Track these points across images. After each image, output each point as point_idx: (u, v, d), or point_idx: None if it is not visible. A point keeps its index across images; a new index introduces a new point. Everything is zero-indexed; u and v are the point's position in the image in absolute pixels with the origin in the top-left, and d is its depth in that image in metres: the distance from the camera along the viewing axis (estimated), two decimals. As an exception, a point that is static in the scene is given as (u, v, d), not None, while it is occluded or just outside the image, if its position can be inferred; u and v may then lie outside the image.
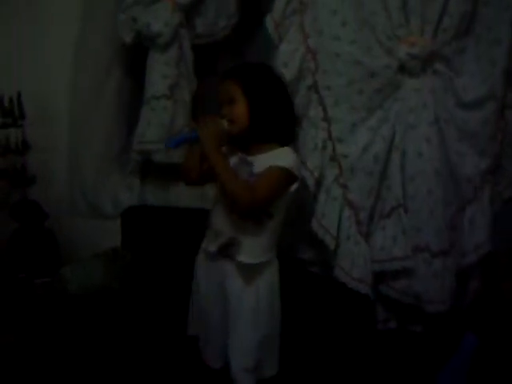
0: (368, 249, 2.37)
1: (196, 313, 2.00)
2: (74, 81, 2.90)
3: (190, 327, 2.03)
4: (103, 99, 2.91)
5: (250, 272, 1.86)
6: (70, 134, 2.95)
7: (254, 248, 1.86)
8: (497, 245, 2.31)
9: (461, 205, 2.34)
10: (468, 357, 1.81)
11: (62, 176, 3.02)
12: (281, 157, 1.85)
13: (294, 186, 1.86)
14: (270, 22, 2.40)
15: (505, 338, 1.77)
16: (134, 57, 2.88)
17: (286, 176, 1.83)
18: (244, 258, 1.84)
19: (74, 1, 2.89)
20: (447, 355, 2.01)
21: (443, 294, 2.30)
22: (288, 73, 2.36)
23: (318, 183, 2.39)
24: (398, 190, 2.33)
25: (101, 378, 2.23)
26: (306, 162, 2.36)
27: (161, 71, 2.69)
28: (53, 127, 3.05)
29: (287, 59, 2.38)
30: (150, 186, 2.94)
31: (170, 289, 2.50)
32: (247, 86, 1.86)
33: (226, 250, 1.86)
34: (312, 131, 2.39)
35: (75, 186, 2.99)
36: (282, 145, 1.88)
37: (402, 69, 2.30)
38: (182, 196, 2.77)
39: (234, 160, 1.89)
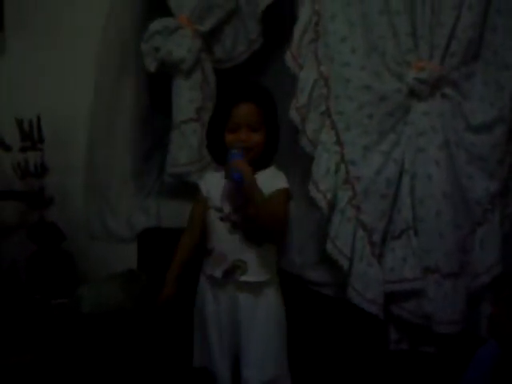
0: (380, 270, 2.38)
1: (201, 343, 2.02)
2: (92, 104, 2.96)
3: (197, 358, 2.05)
4: (120, 123, 2.97)
5: (257, 289, 1.90)
6: (86, 157, 3.01)
7: (259, 267, 1.90)
8: (506, 267, 2.32)
9: (471, 227, 2.36)
10: (488, 364, 1.78)
11: (79, 198, 3.07)
12: (276, 177, 1.93)
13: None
14: (288, 55, 2.46)
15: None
16: (152, 81, 2.95)
17: (289, 196, 1.93)
18: (250, 277, 1.88)
19: (94, 25, 2.94)
20: (460, 375, 2.00)
21: (454, 315, 2.31)
22: (301, 99, 2.42)
23: (331, 205, 2.42)
24: (408, 213, 2.35)
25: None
26: (319, 185, 2.40)
27: (187, 96, 2.77)
28: (71, 150, 3.09)
29: (303, 85, 2.44)
30: (166, 209, 2.98)
31: (185, 311, 2.52)
32: (267, 116, 1.92)
33: (233, 273, 1.89)
34: (325, 155, 2.43)
35: (91, 209, 3.04)
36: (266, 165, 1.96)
37: (412, 93, 2.33)
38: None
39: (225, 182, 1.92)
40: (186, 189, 2.82)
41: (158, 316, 2.05)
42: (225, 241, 1.90)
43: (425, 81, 2.29)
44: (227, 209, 1.90)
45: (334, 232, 2.40)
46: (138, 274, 2.82)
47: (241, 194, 1.86)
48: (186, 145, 2.79)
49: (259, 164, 1.92)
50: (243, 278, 1.88)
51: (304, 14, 2.45)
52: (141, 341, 2.49)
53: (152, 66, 2.78)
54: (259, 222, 1.85)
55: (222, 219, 1.91)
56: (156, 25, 2.75)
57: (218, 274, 1.91)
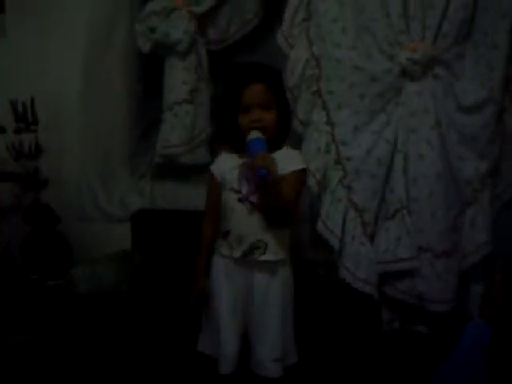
0: (373, 250, 2.40)
1: (208, 328, 2.03)
2: (86, 86, 2.96)
3: (201, 343, 2.05)
4: (114, 104, 2.97)
5: (273, 268, 1.91)
6: (80, 139, 3.01)
7: (278, 246, 1.91)
8: (496, 247, 2.33)
9: (461, 207, 2.37)
10: (479, 344, 1.79)
11: (73, 180, 3.08)
12: (293, 157, 1.94)
13: None
14: (279, 35, 2.49)
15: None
16: (144, 63, 2.94)
17: (306, 176, 1.98)
18: (269, 256, 1.89)
19: (86, 7, 2.94)
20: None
21: (446, 294, 2.33)
22: (292, 79, 2.44)
23: (322, 185, 2.43)
24: (402, 192, 2.36)
25: (108, 377, 2.27)
26: (309, 165, 2.36)
27: (181, 77, 2.78)
28: (65, 132, 3.09)
29: (294, 66, 2.45)
30: (160, 190, 3.00)
31: (179, 291, 2.53)
32: (278, 95, 1.92)
33: (252, 253, 1.89)
34: (315, 135, 2.44)
35: (85, 190, 3.05)
36: (280, 145, 1.96)
37: (404, 73, 2.34)
38: (192, 199, 2.81)
39: (242, 163, 1.92)
40: (179, 170, 2.84)
41: (193, 309, 2.06)
42: (244, 222, 1.90)
43: (417, 61, 2.30)
44: (245, 190, 1.90)
45: (325, 212, 2.42)
46: (132, 254, 2.83)
47: (262, 187, 1.84)
48: (178, 126, 2.80)
49: (273, 144, 1.92)
50: (263, 258, 1.89)
51: (296, -7, 2.44)
52: (136, 321, 2.50)
53: (146, 47, 2.78)
54: (271, 210, 1.87)
55: (240, 200, 1.91)
56: (152, 5, 2.77)
57: (237, 254, 1.91)
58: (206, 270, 2.03)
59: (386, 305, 2.45)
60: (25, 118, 2.96)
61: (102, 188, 3.03)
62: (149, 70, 2.95)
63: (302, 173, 1.93)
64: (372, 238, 2.44)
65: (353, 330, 2.41)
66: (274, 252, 1.90)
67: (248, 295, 1.94)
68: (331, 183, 2.43)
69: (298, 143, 2.49)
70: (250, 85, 1.89)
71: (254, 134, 1.85)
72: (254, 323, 1.95)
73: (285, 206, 1.86)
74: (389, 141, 2.38)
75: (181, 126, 2.79)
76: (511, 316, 1.68)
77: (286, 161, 1.90)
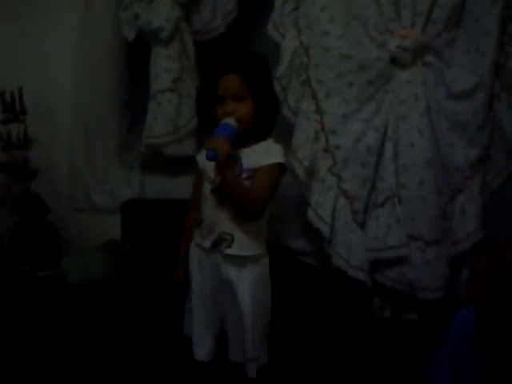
0: (364, 237, 2.40)
1: (189, 311, 2.04)
2: (74, 76, 2.94)
3: (185, 327, 2.07)
4: (103, 94, 2.95)
5: (242, 263, 1.89)
6: (69, 129, 3.00)
7: (247, 241, 1.89)
8: (486, 234, 2.33)
9: (451, 194, 2.37)
10: (467, 330, 1.80)
11: (63, 170, 3.07)
12: (271, 151, 1.90)
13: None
14: (270, 25, 2.48)
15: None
16: (134, 52, 2.92)
17: (282, 171, 1.91)
18: (235, 251, 1.88)
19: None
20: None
21: (437, 282, 2.34)
22: (282, 67, 2.43)
23: (310, 173, 2.43)
24: (392, 180, 2.36)
25: (100, 367, 2.27)
26: (297, 153, 2.41)
27: (164, 65, 2.75)
28: (54, 122, 3.09)
29: (284, 55, 2.44)
30: (149, 180, 2.98)
31: (169, 281, 2.54)
32: (254, 85, 1.87)
33: (220, 245, 1.88)
34: (304, 123, 2.44)
35: (75, 181, 3.03)
36: (264, 137, 1.93)
37: (394, 61, 2.33)
38: (181, 189, 2.81)
39: None
40: (168, 161, 2.83)
41: (172, 295, 2.07)
42: (214, 212, 1.89)
43: (407, 48, 2.29)
44: (218, 181, 1.88)
45: (315, 201, 2.43)
46: (122, 243, 2.83)
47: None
48: (161, 115, 2.77)
49: (254, 136, 1.91)
50: (228, 251, 1.88)
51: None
52: (127, 310, 2.50)
53: (130, 35, 2.76)
54: (234, 200, 1.85)
55: (212, 191, 1.91)
56: (135, -8, 2.73)
57: (207, 244, 1.91)
58: (186, 259, 2.04)
59: (376, 293, 2.46)
60: (13, 108, 2.95)
61: (92, 178, 3.02)
62: (138, 58, 2.92)
63: (278, 167, 1.88)
64: (362, 225, 2.44)
65: (343, 318, 2.41)
66: (241, 247, 1.88)
67: (219, 287, 1.93)
68: (320, 172, 2.43)
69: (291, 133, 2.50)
70: (223, 76, 1.87)
71: (225, 120, 1.84)
72: (227, 317, 1.95)
73: (248, 197, 1.84)
74: (378, 129, 2.38)
75: (164, 115, 2.76)
76: (496, 301, 1.68)
77: (263, 154, 1.87)
